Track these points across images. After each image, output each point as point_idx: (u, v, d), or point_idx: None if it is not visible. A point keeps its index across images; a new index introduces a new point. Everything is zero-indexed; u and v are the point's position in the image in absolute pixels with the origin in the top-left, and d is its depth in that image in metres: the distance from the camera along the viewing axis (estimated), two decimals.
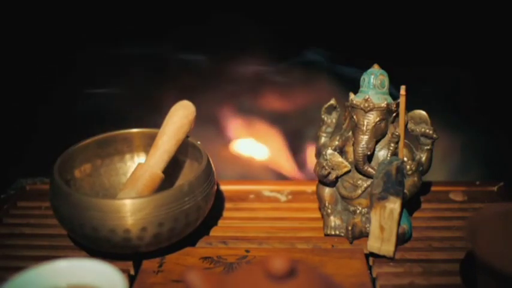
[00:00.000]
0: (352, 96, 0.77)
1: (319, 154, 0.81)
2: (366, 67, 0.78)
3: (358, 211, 0.78)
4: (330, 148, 0.79)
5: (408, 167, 0.76)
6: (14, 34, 1.05)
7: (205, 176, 0.75)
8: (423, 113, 0.78)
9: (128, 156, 0.86)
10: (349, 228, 0.77)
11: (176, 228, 0.72)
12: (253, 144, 1.19)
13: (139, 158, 0.85)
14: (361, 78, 0.78)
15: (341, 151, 0.79)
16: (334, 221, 0.80)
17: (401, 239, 0.76)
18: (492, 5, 1.02)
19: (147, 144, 0.83)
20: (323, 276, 0.54)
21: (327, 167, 0.77)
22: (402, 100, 0.75)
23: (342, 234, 0.79)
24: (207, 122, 1.12)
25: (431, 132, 0.77)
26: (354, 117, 0.76)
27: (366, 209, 0.77)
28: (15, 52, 1.06)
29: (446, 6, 1.04)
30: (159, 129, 0.79)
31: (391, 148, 0.77)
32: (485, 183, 0.92)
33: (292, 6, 1.07)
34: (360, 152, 0.75)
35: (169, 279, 0.71)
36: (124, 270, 0.72)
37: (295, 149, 1.18)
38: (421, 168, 0.78)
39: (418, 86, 0.81)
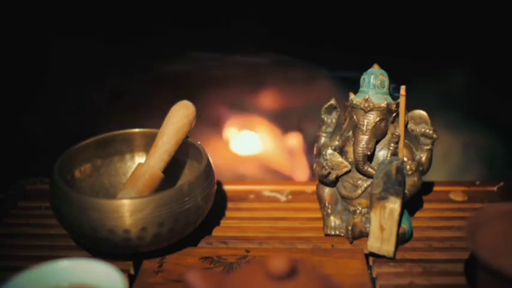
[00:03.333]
0: (352, 96, 0.77)
1: (319, 154, 0.81)
2: (366, 66, 0.78)
3: (358, 211, 0.78)
4: (330, 148, 0.79)
5: (408, 167, 0.76)
6: (13, 34, 1.05)
7: (205, 176, 0.75)
8: (423, 113, 0.78)
9: (128, 156, 0.86)
10: (349, 228, 0.77)
11: (176, 228, 0.72)
12: (253, 144, 1.19)
13: (140, 158, 0.85)
14: (361, 78, 0.78)
15: (341, 151, 0.79)
16: (334, 221, 0.80)
17: (401, 239, 0.76)
18: (493, 4, 1.02)
19: (147, 144, 0.83)
20: (323, 276, 0.54)
21: (327, 167, 0.77)
22: (402, 100, 0.75)
23: (342, 234, 0.79)
24: (207, 122, 1.12)
25: (431, 132, 0.78)
26: (354, 117, 0.76)
27: (366, 209, 0.77)
28: (15, 52, 1.06)
29: (447, 6, 1.04)
30: (159, 129, 0.79)
31: (391, 148, 0.77)
32: (485, 183, 0.92)
33: (291, 4, 1.07)
34: (360, 152, 0.75)
35: (169, 279, 0.71)
36: (124, 270, 0.72)
37: (295, 149, 1.18)
38: (421, 168, 0.78)
39: (418, 86, 0.81)
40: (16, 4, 1.03)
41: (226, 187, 0.91)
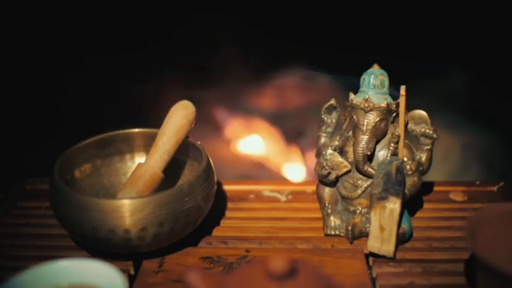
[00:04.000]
0: (352, 96, 0.77)
1: (319, 154, 0.81)
2: (366, 66, 0.78)
3: (358, 211, 0.78)
4: (330, 148, 0.79)
5: (408, 167, 0.76)
6: (17, 35, 1.05)
7: (205, 176, 0.75)
8: (423, 113, 0.78)
9: (128, 156, 0.86)
10: (349, 228, 0.77)
11: (176, 228, 0.72)
12: (253, 144, 1.19)
13: (140, 158, 0.85)
14: (361, 78, 0.78)
15: (341, 151, 0.79)
16: (334, 221, 0.80)
17: (401, 239, 0.76)
18: (493, 4, 1.02)
19: (147, 144, 0.83)
20: (323, 276, 0.54)
21: (327, 167, 0.77)
22: (402, 100, 0.75)
23: (342, 234, 0.79)
24: (207, 122, 1.12)
25: (431, 132, 0.78)
26: (354, 117, 0.76)
27: (366, 209, 0.77)
28: (16, 53, 1.06)
29: (447, 6, 1.04)
30: (159, 129, 0.79)
31: (391, 148, 0.77)
32: (485, 183, 0.92)
33: (291, 4, 1.07)
34: (360, 152, 0.75)
35: (169, 279, 0.71)
36: (124, 270, 0.72)
37: (295, 149, 1.18)
38: (421, 168, 0.78)
39: (418, 86, 0.81)
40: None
41: (226, 187, 0.91)
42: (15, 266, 0.66)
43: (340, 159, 0.77)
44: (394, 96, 0.77)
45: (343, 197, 0.79)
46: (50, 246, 0.78)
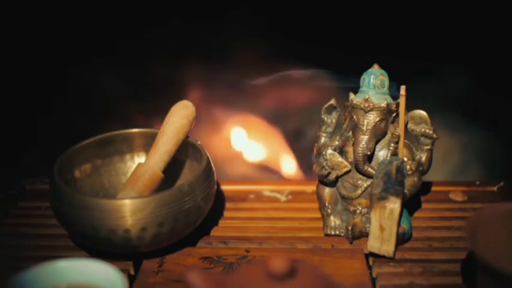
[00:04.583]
0: (352, 96, 0.77)
1: (319, 154, 0.81)
2: (366, 66, 0.78)
3: (358, 211, 0.78)
4: (330, 148, 0.79)
5: (408, 167, 0.76)
6: (16, 35, 1.05)
7: (205, 176, 0.75)
8: (423, 113, 0.78)
9: (128, 156, 0.86)
10: (349, 228, 0.77)
11: (176, 228, 0.72)
12: (253, 144, 1.19)
13: (140, 158, 0.85)
14: (361, 78, 0.78)
15: (341, 151, 0.79)
16: (334, 221, 0.80)
17: (401, 239, 0.76)
18: (493, 4, 1.02)
19: (147, 144, 0.83)
20: (323, 276, 0.54)
21: (327, 167, 0.77)
22: (402, 100, 0.75)
23: (342, 234, 0.79)
24: (207, 121, 1.12)
25: (431, 132, 0.78)
26: (354, 117, 0.76)
27: (366, 209, 0.77)
28: (16, 53, 1.06)
29: (447, 6, 1.04)
30: (159, 129, 0.79)
31: (391, 148, 0.77)
32: (485, 183, 0.92)
33: (290, 3, 1.07)
34: (360, 152, 0.75)
35: (169, 279, 0.71)
36: (124, 270, 0.72)
37: (295, 149, 1.18)
38: (421, 168, 0.78)
39: (418, 86, 0.81)
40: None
41: (226, 187, 0.91)
42: (15, 266, 0.66)
43: (340, 159, 0.77)
44: (394, 96, 0.77)
45: (343, 197, 0.79)
46: (49, 246, 0.78)
